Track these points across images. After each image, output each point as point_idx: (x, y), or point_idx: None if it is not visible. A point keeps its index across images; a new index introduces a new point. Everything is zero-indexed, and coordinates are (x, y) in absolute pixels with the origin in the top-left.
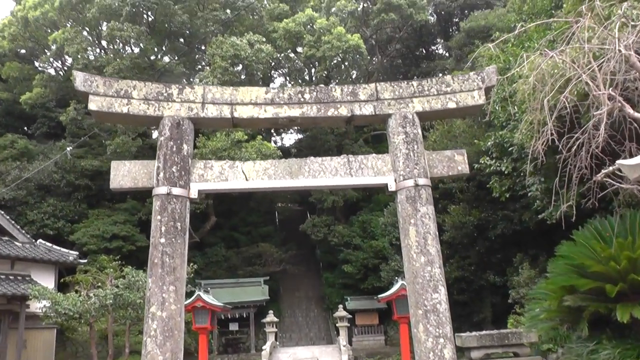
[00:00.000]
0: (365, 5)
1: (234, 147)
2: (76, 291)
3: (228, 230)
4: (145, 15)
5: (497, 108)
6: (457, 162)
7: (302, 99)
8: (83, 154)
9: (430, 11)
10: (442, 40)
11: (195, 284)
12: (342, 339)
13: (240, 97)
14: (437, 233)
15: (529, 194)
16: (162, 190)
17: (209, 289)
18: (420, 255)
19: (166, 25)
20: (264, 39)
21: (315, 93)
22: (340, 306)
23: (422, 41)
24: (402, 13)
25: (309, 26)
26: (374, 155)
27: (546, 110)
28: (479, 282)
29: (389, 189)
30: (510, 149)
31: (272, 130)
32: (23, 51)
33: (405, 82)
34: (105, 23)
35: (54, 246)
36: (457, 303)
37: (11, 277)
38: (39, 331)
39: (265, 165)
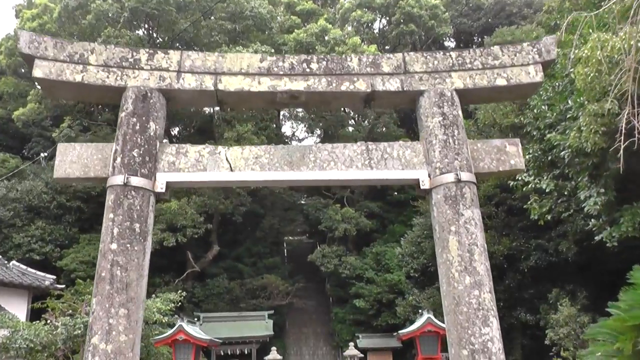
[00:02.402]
0: (383, 18)
1: None
2: (44, 319)
3: (232, 260)
4: (145, 23)
5: (536, 112)
6: (509, 155)
7: (307, 70)
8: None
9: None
10: None
11: (193, 317)
12: None
13: (227, 64)
14: (485, 246)
15: (585, 209)
16: (117, 179)
17: (196, 320)
18: (464, 275)
19: (167, 34)
20: (272, 50)
21: (325, 62)
22: (351, 344)
23: None
24: (422, 25)
25: (322, 37)
26: (401, 142)
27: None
28: (508, 320)
29: (421, 186)
30: (557, 157)
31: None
32: (23, 70)
33: (442, 53)
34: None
35: (29, 269)
36: None
37: None
38: None
39: (256, 152)
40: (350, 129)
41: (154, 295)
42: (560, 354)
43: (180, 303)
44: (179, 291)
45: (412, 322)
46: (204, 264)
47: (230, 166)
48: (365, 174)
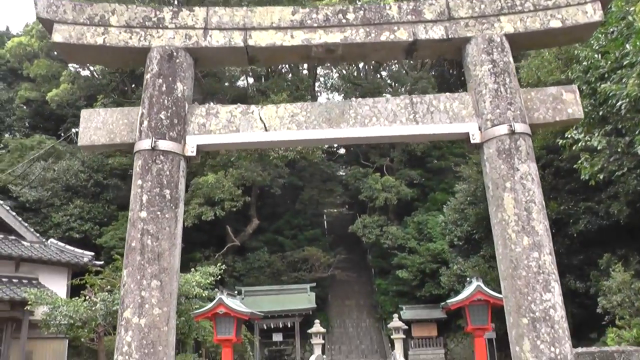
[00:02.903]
0: None
1: None
2: (83, 296)
3: (272, 233)
4: None
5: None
6: (565, 103)
7: (344, 20)
8: (112, 152)
9: None
10: None
11: (234, 290)
12: (399, 354)
13: (257, 19)
14: (543, 203)
15: None
16: (144, 144)
17: (237, 294)
18: (521, 236)
19: None
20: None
21: (362, 12)
22: (395, 316)
23: None
24: None
25: None
26: (447, 94)
27: None
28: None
29: (471, 141)
30: (609, 112)
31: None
32: (55, 52)
33: None
34: None
35: (67, 246)
36: None
37: (14, 280)
38: (47, 341)
39: (292, 110)
40: (388, 96)
41: (192, 269)
42: (616, 323)
43: (220, 277)
44: (219, 264)
45: (456, 292)
46: (243, 238)
47: (265, 126)
48: (410, 129)
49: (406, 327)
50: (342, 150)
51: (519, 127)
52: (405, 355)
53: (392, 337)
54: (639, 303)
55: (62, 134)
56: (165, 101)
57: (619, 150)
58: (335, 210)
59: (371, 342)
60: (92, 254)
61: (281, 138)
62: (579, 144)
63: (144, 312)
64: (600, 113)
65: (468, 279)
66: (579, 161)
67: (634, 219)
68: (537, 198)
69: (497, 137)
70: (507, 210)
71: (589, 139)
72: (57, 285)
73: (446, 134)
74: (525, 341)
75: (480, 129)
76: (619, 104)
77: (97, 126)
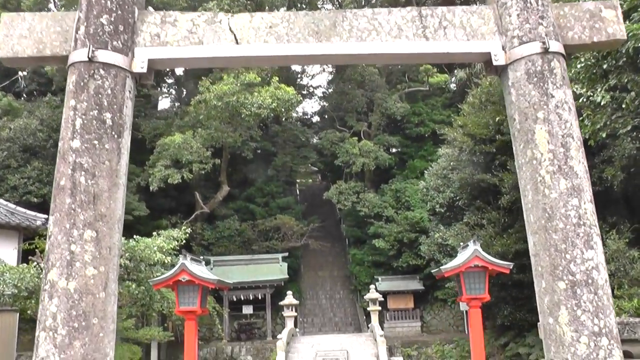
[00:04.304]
0: None
1: (243, 92)
2: (31, 262)
3: (243, 201)
4: None
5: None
6: (605, 22)
7: None
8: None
9: None
10: None
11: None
12: (377, 326)
13: None
14: (581, 139)
15: None
16: (80, 54)
17: (202, 260)
18: (558, 178)
19: None
20: None
21: None
22: (372, 287)
23: None
24: None
25: None
26: (464, 7)
27: None
28: None
29: (494, 62)
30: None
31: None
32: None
33: None
34: None
35: (18, 208)
36: (514, 283)
37: None
38: None
39: (271, 21)
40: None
41: (155, 233)
42: (614, 293)
43: (188, 246)
44: (183, 228)
45: (437, 261)
46: (213, 205)
47: (236, 38)
48: (418, 46)
49: (382, 298)
50: (316, 119)
51: (554, 45)
52: (380, 328)
53: (368, 309)
54: (634, 272)
55: (18, 90)
56: (108, 3)
57: (624, 106)
58: (310, 180)
59: (345, 315)
60: (46, 217)
61: (256, 53)
62: (580, 100)
63: (74, 272)
64: (605, 66)
65: (462, 243)
66: (580, 118)
67: (628, 185)
68: (575, 132)
69: (527, 57)
70: (539, 146)
71: (592, 94)
72: (6, 251)
73: (462, 54)
74: (563, 311)
75: (504, 48)
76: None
77: (22, 34)
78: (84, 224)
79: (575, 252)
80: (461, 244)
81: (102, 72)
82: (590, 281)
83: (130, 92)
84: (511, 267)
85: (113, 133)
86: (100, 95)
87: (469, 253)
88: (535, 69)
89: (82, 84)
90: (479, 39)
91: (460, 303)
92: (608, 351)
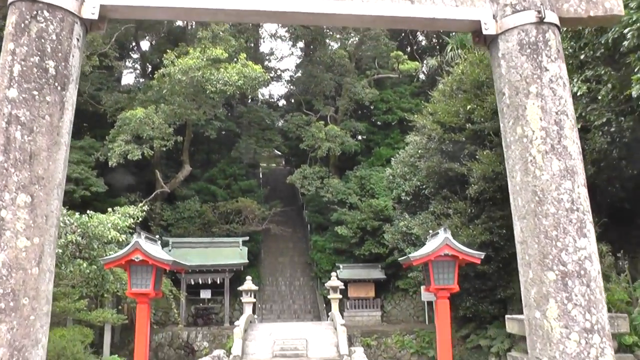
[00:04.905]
0: None
1: (209, 67)
2: None
3: (204, 182)
4: None
5: None
6: None
7: None
8: None
9: None
10: None
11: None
12: (338, 314)
13: None
14: (575, 118)
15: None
16: None
17: (158, 240)
18: (550, 158)
19: None
20: None
21: None
22: (334, 274)
23: None
24: None
25: None
26: None
27: None
28: (510, 249)
29: (484, 31)
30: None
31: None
32: None
33: None
34: None
35: None
36: (478, 275)
37: None
38: None
39: None
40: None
41: (110, 209)
42: None
43: (146, 226)
44: (140, 205)
45: (400, 250)
46: (174, 185)
47: None
48: (402, 9)
49: (343, 286)
50: (282, 102)
51: (550, 15)
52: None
53: (328, 296)
54: (603, 267)
55: None
56: None
57: (599, 97)
58: (274, 165)
59: (304, 302)
60: None
61: (222, 5)
62: None
63: (3, 243)
64: (582, 57)
65: (429, 231)
66: None
67: (596, 179)
68: (569, 110)
69: (520, 27)
70: (530, 123)
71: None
72: None
73: (449, 21)
74: (552, 304)
75: (495, 17)
76: (626, 31)
77: None
78: (17, 187)
79: (567, 239)
80: (430, 232)
81: (46, 14)
82: (582, 272)
83: (78, 40)
84: (482, 257)
85: (56, 84)
86: (43, 40)
87: (439, 241)
88: (529, 39)
89: (22, 25)
90: (468, 6)
91: (422, 293)
92: (600, 349)
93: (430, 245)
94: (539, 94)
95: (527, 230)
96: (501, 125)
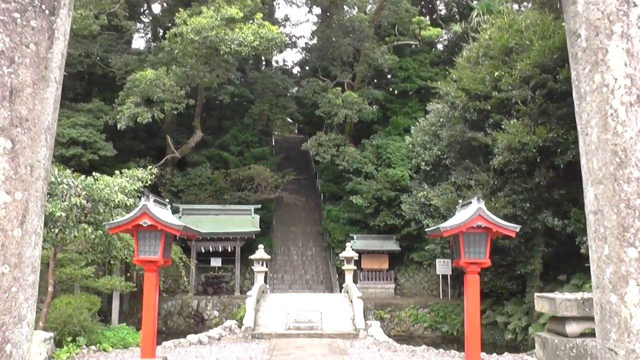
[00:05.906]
0: None
1: (224, 27)
2: None
3: (216, 148)
4: None
5: None
6: None
7: None
8: None
9: None
10: None
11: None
12: (353, 286)
13: None
14: None
15: None
16: None
17: (169, 207)
18: (635, 111)
19: None
20: None
21: None
22: (348, 244)
23: None
24: None
25: None
26: None
27: None
28: (533, 224)
29: None
30: None
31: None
32: None
33: None
34: None
35: None
36: (497, 249)
37: None
38: None
39: None
40: None
41: (117, 172)
42: None
43: (157, 192)
44: (149, 167)
45: (418, 221)
46: (185, 151)
47: None
48: None
49: (358, 257)
50: (296, 70)
51: None
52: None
53: (342, 267)
54: None
55: None
56: None
57: None
58: (287, 132)
59: (317, 272)
60: None
61: None
62: None
63: None
64: None
65: (461, 200)
66: None
67: None
68: None
69: None
70: (613, 69)
71: None
72: None
73: None
74: (632, 287)
75: None
76: None
77: None
78: None
79: None
80: (453, 203)
81: None
82: None
83: None
84: (517, 231)
85: (43, 7)
86: None
87: (472, 211)
88: None
89: None
90: None
91: (437, 266)
92: None
93: (462, 216)
94: (625, 34)
95: (603, 197)
96: (573, 73)
